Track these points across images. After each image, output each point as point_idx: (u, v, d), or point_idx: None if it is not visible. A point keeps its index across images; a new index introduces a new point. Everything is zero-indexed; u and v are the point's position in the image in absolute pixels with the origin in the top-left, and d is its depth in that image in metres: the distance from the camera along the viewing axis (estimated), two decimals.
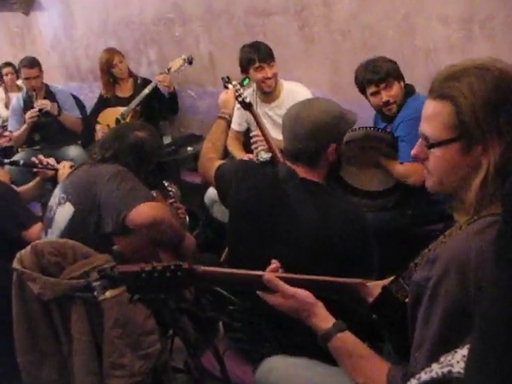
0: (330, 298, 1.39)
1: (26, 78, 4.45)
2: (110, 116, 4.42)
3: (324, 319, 1.34)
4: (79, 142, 4.70)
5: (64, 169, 2.76)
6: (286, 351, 1.65)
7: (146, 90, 4.25)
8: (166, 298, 1.22)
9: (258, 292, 1.37)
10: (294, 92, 3.26)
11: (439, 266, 1.08)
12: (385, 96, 2.71)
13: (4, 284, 2.02)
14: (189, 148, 4.31)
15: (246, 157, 3.23)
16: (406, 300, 1.21)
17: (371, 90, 2.74)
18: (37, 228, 2.44)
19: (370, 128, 2.71)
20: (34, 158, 3.00)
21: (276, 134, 2.97)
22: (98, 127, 4.46)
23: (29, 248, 1.93)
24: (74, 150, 4.57)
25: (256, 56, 3.13)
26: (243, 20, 3.98)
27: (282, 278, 1.35)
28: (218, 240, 3.60)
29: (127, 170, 2.18)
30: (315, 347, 1.34)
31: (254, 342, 1.37)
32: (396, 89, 2.72)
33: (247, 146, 3.58)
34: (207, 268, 1.27)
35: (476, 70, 1.11)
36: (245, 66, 3.20)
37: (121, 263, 1.10)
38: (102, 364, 1.92)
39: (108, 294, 1.12)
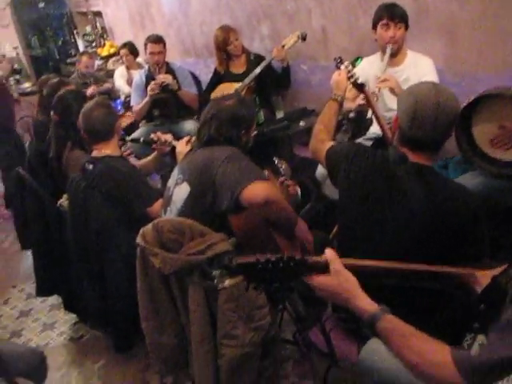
0: (434, 287, 1.39)
1: (151, 53, 4.61)
2: (225, 91, 4.48)
3: (369, 302, 1.33)
4: (195, 116, 4.88)
5: (181, 145, 2.91)
6: None
7: (259, 69, 4.31)
8: (280, 287, 1.29)
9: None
10: (417, 60, 3.20)
11: None
12: None
13: (132, 254, 2.20)
14: (301, 123, 4.31)
15: None
16: None
17: None
18: (158, 204, 2.60)
19: None
20: (152, 135, 3.20)
21: (391, 103, 3.11)
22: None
23: (150, 225, 2.08)
24: (190, 125, 4.72)
25: (386, 13, 3.10)
26: None
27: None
28: (328, 215, 3.64)
29: (240, 152, 2.27)
30: (422, 329, 1.32)
31: (359, 322, 1.41)
32: None
33: None
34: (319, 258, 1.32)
35: None
36: (374, 22, 3.18)
37: (238, 254, 1.20)
38: (216, 333, 2.05)
39: (227, 283, 1.23)
